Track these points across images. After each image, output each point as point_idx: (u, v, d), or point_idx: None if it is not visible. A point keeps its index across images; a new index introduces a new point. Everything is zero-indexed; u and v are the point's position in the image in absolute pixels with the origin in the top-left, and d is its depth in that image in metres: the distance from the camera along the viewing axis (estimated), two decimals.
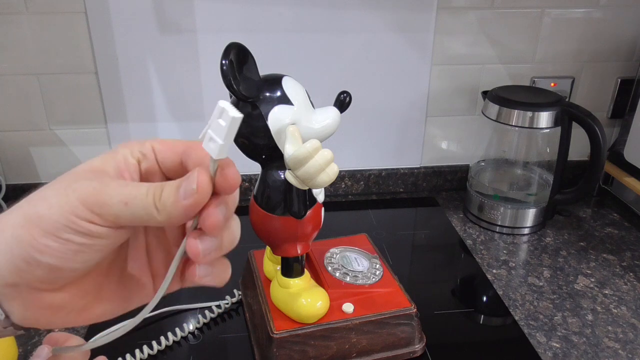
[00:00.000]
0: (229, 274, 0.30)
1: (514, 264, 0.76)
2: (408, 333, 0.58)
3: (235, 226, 0.30)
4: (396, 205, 0.94)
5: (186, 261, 0.30)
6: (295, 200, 0.49)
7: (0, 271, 0.26)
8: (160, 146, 0.30)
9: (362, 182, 0.95)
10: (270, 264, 0.61)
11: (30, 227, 0.25)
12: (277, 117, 0.46)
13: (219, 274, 0.30)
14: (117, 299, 0.31)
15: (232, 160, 0.28)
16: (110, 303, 0.30)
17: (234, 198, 0.29)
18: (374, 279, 0.60)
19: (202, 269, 0.29)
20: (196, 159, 0.29)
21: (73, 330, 0.63)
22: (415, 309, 0.57)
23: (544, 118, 0.77)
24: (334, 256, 0.63)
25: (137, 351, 0.58)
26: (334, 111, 0.50)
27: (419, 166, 0.96)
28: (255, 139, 0.47)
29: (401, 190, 0.97)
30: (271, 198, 0.50)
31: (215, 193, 0.28)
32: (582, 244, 0.81)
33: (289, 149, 0.45)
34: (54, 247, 0.26)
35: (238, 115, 0.26)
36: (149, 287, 0.32)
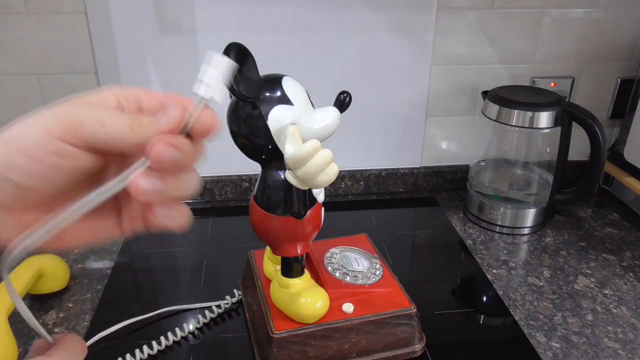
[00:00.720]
0: (188, 220, 0.31)
1: (514, 264, 0.76)
2: (408, 333, 0.58)
3: (187, 178, 0.30)
4: (396, 205, 0.94)
5: (147, 205, 0.30)
6: (295, 200, 0.49)
7: None
8: (144, 95, 0.30)
9: (362, 182, 0.95)
10: (270, 264, 0.61)
11: (6, 146, 0.27)
12: (277, 117, 0.46)
13: (176, 218, 0.30)
14: (84, 229, 0.31)
15: (213, 110, 0.29)
16: (77, 232, 0.31)
17: (199, 151, 0.30)
18: (374, 279, 0.60)
19: (160, 210, 0.30)
20: (178, 104, 0.29)
21: (74, 329, 0.63)
22: (415, 309, 0.57)
23: (544, 118, 0.77)
24: (334, 256, 0.63)
25: (137, 351, 0.58)
26: (334, 111, 0.50)
27: (419, 166, 0.96)
28: (255, 139, 0.47)
29: (401, 190, 0.97)
30: (271, 198, 0.50)
31: (190, 136, 0.29)
32: (582, 244, 0.81)
33: (289, 149, 0.45)
34: (22, 165, 0.26)
35: (224, 59, 0.27)
36: (115, 225, 0.32)
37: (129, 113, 0.28)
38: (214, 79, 0.28)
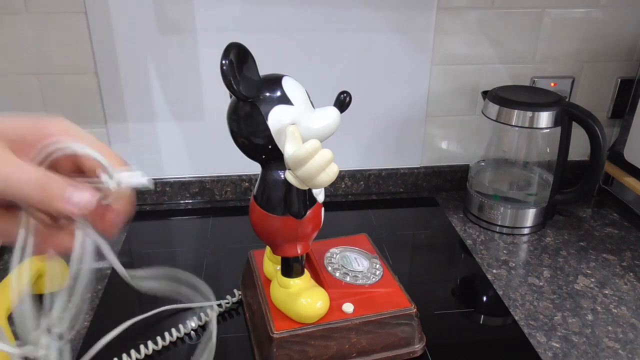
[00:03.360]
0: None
1: (514, 264, 0.76)
2: (408, 333, 0.58)
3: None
4: (396, 205, 0.94)
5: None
6: (295, 200, 0.49)
7: None
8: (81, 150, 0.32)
9: (362, 182, 0.95)
10: (270, 264, 0.61)
11: None
12: (277, 117, 0.46)
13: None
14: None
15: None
16: None
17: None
18: (374, 279, 0.60)
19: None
20: (90, 166, 0.32)
21: (75, 330, 0.63)
22: (415, 309, 0.57)
23: (544, 118, 0.77)
24: (334, 256, 0.63)
25: (132, 352, 0.58)
26: (334, 111, 0.50)
27: (419, 166, 0.96)
28: (255, 139, 0.47)
29: (401, 190, 0.97)
30: (271, 198, 0.50)
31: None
32: (582, 244, 0.81)
33: (289, 149, 0.45)
34: None
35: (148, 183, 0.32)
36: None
37: (43, 175, 0.30)
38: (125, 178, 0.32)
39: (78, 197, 0.30)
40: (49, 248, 0.32)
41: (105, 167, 0.31)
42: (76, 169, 0.33)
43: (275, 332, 0.54)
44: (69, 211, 0.30)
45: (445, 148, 0.96)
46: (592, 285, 0.72)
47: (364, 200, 0.95)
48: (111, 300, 0.68)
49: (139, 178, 0.32)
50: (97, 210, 0.31)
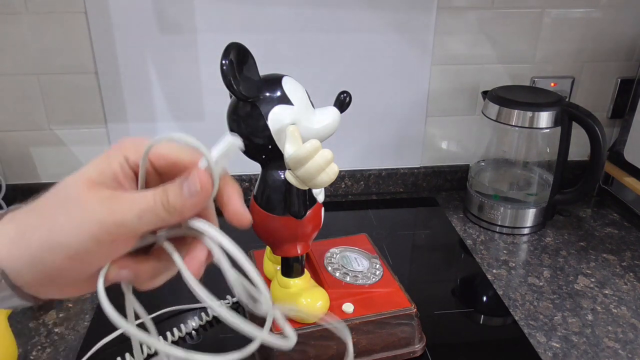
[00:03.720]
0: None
1: (514, 264, 0.76)
2: (408, 333, 0.58)
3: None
4: (396, 205, 0.94)
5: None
6: (295, 200, 0.49)
7: (21, 276, 0.29)
8: (154, 155, 0.32)
9: (362, 182, 0.95)
10: (270, 264, 0.61)
11: (51, 252, 0.28)
12: (277, 117, 0.46)
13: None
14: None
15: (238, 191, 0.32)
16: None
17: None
18: (374, 279, 0.60)
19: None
20: (188, 160, 0.31)
21: (75, 329, 0.63)
22: (415, 309, 0.57)
23: (544, 118, 0.77)
24: (334, 256, 0.63)
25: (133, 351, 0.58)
26: (334, 111, 0.50)
27: (419, 166, 0.96)
28: (255, 139, 0.47)
29: (401, 190, 0.97)
30: (271, 198, 0.50)
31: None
32: (582, 244, 0.81)
33: (289, 149, 0.45)
34: (70, 268, 0.29)
35: (237, 141, 0.31)
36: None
37: (155, 192, 0.29)
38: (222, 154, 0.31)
39: (190, 186, 0.29)
40: (199, 265, 0.32)
41: (196, 147, 0.30)
42: (161, 180, 0.32)
43: (275, 332, 0.54)
44: (193, 205, 0.29)
45: (445, 148, 0.96)
46: (592, 285, 0.72)
47: (364, 200, 0.95)
48: (112, 300, 0.68)
49: (231, 143, 0.30)
50: (219, 200, 0.31)
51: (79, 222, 0.28)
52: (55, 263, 0.28)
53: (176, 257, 0.31)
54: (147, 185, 0.32)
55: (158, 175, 0.32)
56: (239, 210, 0.31)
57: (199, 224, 0.30)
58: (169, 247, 0.31)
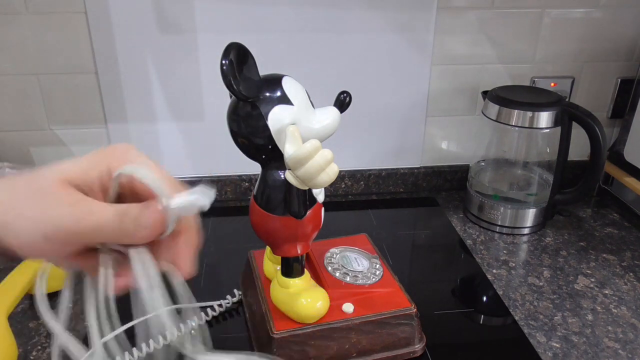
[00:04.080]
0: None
1: (514, 264, 0.76)
2: (408, 333, 0.58)
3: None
4: (396, 205, 0.94)
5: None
6: (295, 200, 0.49)
7: None
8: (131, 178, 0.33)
9: (362, 182, 0.95)
10: (270, 264, 0.61)
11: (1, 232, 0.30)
12: (277, 117, 0.46)
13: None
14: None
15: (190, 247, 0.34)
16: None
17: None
18: (374, 279, 0.60)
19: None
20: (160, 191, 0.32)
21: (75, 329, 0.63)
22: (415, 309, 0.57)
23: (544, 118, 0.77)
24: (334, 256, 0.63)
25: (133, 350, 0.58)
26: (334, 111, 0.50)
27: (419, 166, 0.96)
28: (255, 139, 0.47)
29: (401, 190, 0.97)
30: (271, 198, 0.50)
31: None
32: (582, 244, 0.81)
33: (289, 149, 0.45)
34: (22, 253, 0.30)
35: (202, 199, 0.31)
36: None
37: (116, 210, 0.31)
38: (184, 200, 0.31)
39: (142, 219, 0.30)
40: (127, 283, 0.33)
41: (158, 191, 0.31)
42: (135, 197, 0.33)
43: (275, 332, 0.54)
44: (143, 237, 0.31)
45: (445, 148, 0.96)
46: (592, 285, 0.72)
47: (364, 200, 0.95)
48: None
49: (194, 201, 0.31)
50: (164, 242, 0.32)
51: (39, 216, 0.29)
52: (2, 242, 0.30)
53: (102, 270, 0.33)
54: (121, 198, 0.33)
55: (134, 192, 0.33)
56: (183, 261, 0.33)
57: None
58: (104, 258, 0.33)
